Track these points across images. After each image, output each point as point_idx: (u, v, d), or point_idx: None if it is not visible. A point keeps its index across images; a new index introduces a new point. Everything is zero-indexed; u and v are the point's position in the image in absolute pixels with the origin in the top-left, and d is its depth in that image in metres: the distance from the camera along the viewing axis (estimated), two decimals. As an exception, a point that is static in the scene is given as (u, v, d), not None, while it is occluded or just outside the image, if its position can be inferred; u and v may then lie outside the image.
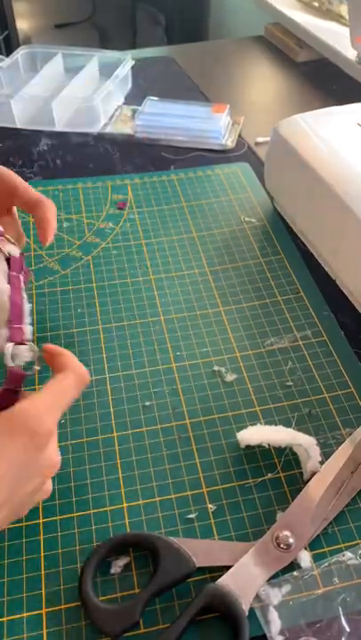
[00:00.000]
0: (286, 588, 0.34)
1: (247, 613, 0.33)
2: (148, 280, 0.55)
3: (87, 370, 0.35)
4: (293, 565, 0.35)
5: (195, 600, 0.33)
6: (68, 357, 0.35)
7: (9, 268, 0.38)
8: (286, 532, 0.36)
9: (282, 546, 0.35)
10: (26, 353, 0.36)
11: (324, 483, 0.38)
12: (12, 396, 0.34)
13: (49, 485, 0.34)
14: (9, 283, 0.37)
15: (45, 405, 0.31)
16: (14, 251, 0.39)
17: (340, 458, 0.40)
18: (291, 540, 0.36)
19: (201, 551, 0.35)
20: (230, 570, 0.34)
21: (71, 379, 0.34)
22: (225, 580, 0.34)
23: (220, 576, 0.34)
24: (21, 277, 0.39)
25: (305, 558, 0.36)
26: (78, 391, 0.34)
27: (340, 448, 0.41)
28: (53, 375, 0.34)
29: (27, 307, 0.38)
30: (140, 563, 0.36)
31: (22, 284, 0.38)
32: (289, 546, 0.35)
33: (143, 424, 0.43)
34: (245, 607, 0.33)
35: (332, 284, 0.54)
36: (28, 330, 0.37)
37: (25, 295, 0.38)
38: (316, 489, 0.38)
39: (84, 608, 0.33)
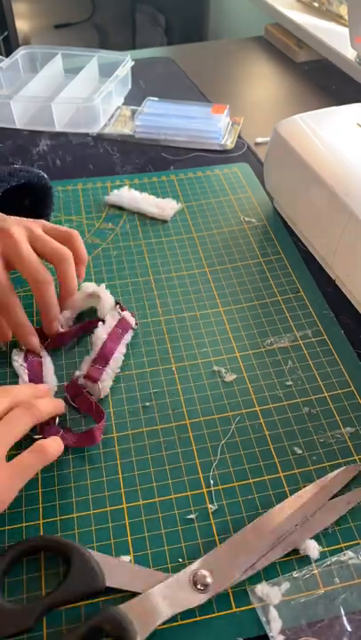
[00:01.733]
0: (285, 585, 0.34)
1: None
2: (147, 280, 0.55)
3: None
4: (294, 564, 0.36)
5: (89, 619, 0.31)
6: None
7: (117, 325, 0.48)
8: (205, 572, 0.34)
9: (199, 586, 0.34)
10: (95, 389, 0.44)
11: (263, 531, 0.36)
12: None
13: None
14: (109, 334, 0.47)
15: None
16: (128, 316, 0.49)
17: (291, 504, 0.37)
18: (209, 581, 0.34)
19: (116, 571, 0.34)
20: (136, 597, 0.33)
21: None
22: (127, 607, 0.32)
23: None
24: (125, 336, 0.48)
25: (313, 549, 0.35)
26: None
27: (296, 494, 0.38)
28: None
29: (117, 357, 0.46)
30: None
31: (122, 340, 0.48)
32: (206, 586, 0.34)
33: (143, 424, 0.43)
34: (140, 638, 0.31)
35: (332, 284, 0.54)
36: (107, 374, 0.45)
37: (122, 350, 0.47)
38: (252, 534, 0.36)
39: None
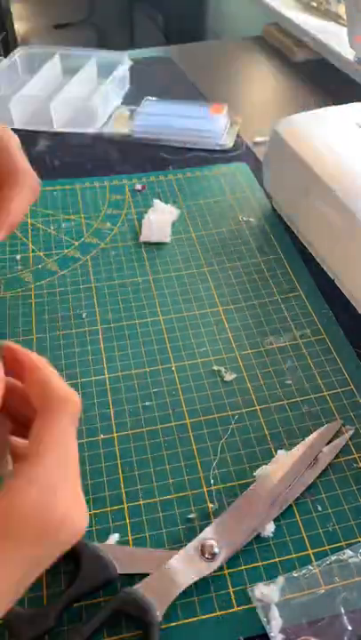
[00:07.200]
0: (285, 584, 0.34)
1: (161, 619, 0.32)
2: (146, 280, 0.55)
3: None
4: (295, 563, 0.36)
5: (106, 605, 0.32)
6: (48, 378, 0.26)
7: None
8: (212, 542, 0.35)
9: (207, 555, 0.35)
10: None
11: (260, 495, 0.38)
12: None
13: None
14: None
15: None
16: None
17: (282, 466, 0.39)
18: (216, 550, 0.35)
19: (124, 558, 0.35)
20: (149, 576, 0.34)
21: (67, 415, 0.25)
22: (142, 587, 0.33)
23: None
24: None
25: (269, 529, 0.37)
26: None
27: (287, 454, 0.40)
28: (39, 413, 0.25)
29: None
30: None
31: None
32: (214, 555, 0.35)
33: (143, 424, 0.43)
34: (160, 613, 0.32)
35: (331, 283, 0.54)
36: None
37: None
38: (250, 500, 0.38)
39: None
